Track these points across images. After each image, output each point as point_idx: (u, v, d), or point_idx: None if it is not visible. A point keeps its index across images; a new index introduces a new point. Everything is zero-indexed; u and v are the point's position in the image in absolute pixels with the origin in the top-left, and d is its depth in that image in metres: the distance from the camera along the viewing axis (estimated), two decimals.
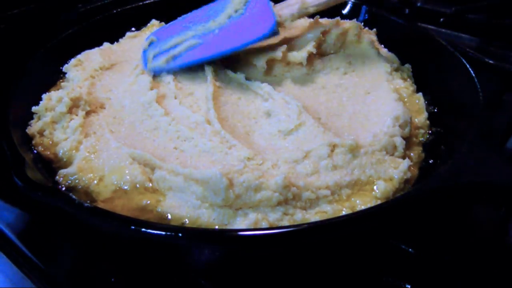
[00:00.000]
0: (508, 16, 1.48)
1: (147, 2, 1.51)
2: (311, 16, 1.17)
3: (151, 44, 1.21)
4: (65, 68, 1.20)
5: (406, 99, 1.08)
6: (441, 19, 1.50)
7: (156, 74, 1.13)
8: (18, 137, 0.90)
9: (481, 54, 1.29)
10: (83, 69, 1.18)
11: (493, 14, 1.51)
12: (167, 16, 1.48)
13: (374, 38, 1.27)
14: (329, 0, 1.10)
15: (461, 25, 1.48)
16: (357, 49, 1.19)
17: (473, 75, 1.00)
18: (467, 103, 0.97)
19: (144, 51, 1.20)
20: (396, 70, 1.18)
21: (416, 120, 1.02)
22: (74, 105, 1.01)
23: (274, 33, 1.07)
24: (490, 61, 1.25)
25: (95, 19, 1.38)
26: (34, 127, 0.97)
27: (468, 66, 1.03)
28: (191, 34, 1.14)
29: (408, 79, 1.17)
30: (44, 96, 1.03)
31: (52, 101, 1.01)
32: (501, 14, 1.50)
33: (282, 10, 1.11)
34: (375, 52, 1.17)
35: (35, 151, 0.93)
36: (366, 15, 1.42)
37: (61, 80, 1.18)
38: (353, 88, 1.09)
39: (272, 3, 1.12)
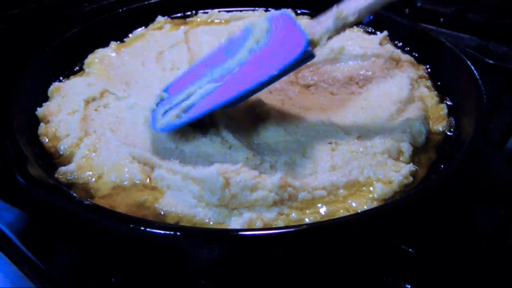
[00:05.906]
0: (508, 16, 1.48)
1: (152, 1, 1.50)
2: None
3: (160, 102, 0.98)
4: (86, 64, 1.22)
5: (430, 108, 1.05)
6: (441, 19, 1.50)
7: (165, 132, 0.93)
8: (21, 135, 0.90)
9: (481, 54, 1.28)
10: (101, 63, 1.20)
11: (493, 14, 1.51)
12: (173, 14, 1.49)
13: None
14: (371, 5, 0.87)
15: (461, 25, 1.48)
16: None
17: (477, 76, 0.99)
18: (467, 103, 0.97)
19: (153, 111, 0.97)
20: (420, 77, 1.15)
21: (434, 127, 1.00)
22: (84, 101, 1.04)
23: (309, 55, 0.85)
24: (490, 61, 1.25)
25: (100, 18, 1.38)
26: (45, 108, 1.02)
27: (471, 65, 1.03)
28: (207, 80, 0.93)
29: (433, 88, 1.13)
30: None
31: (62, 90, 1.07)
32: (501, 14, 1.50)
33: (313, 28, 0.88)
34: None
35: (38, 146, 0.94)
36: None
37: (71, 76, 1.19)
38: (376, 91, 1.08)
39: (299, 22, 0.89)
